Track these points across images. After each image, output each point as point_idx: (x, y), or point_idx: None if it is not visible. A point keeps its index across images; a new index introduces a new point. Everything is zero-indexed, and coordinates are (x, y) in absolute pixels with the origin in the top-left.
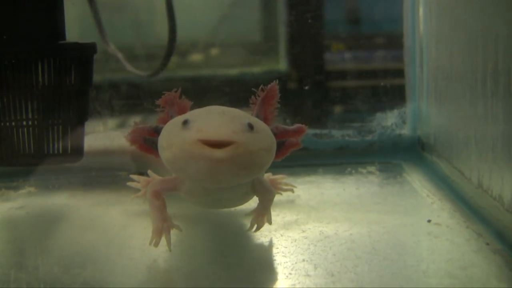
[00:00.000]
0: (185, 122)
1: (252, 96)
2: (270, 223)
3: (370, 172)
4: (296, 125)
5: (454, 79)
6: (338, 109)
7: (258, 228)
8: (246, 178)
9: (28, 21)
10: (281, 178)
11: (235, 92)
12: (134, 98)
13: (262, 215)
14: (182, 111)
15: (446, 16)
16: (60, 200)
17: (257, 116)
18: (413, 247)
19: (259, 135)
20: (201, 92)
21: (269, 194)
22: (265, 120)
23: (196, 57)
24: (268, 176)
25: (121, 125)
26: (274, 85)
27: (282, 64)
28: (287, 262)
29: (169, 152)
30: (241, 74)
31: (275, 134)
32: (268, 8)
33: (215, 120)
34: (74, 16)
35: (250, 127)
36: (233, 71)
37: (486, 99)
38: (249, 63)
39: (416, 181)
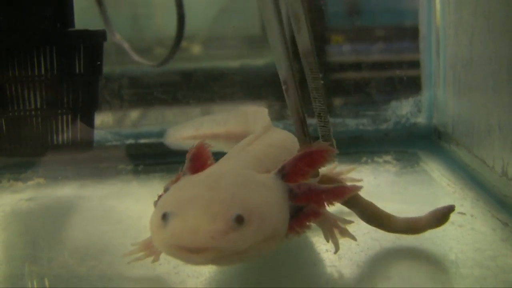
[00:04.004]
0: (164, 217)
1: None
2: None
3: (386, 162)
4: (335, 186)
5: (475, 66)
6: (351, 99)
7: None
8: (249, 261)
9: (37, 9)
10: (348, 170)
11: (238, 85)
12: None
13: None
14: (199, 168)
15: (466, 3)
16: (70, 191)
17: (282, 168)
18: (438, 237)
19: (250, 228)
20: (203, 85)
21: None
22: (292, 174)
23: (196, 50)
24: (331, 169)
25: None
26: (328, 150)
27: None
28: (310, 252)
29: (153, 241)
30: (243, 67)
31: (295, 195)
32: None
33: (193, 219)
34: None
35: (239, 220)
36: (235, 64)
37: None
38: (250, 56)
39: (434, 170)
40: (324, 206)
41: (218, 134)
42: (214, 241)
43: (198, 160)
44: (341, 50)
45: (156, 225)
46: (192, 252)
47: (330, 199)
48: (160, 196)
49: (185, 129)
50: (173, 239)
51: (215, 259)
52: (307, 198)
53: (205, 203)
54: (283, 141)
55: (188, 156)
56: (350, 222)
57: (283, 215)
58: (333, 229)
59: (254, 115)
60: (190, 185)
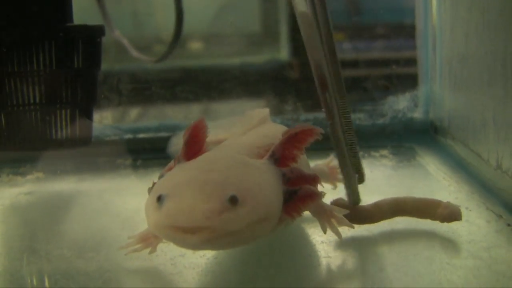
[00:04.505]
0: (159, 199)
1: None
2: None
3: (383, 156)
4: (313, 173)
5: (470, 61)
6: (349, 95)
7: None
8: (243, 245)
9: (36, 3)
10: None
11: (237, 82)
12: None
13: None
14: (194, 153)
15: None
16: (69, 186)
17: (273, 154)
18: (433, 229)
19: (244, 208)
20: (202, 82)
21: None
22: (283, 159)
23: (195, 47)
24: (327, 163)
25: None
26: (313, 129)
27: (283, 53)
28: (306, 244)
29: (149, 225)
30: (242, 63)
31: (289, 179)
32: None
33: (188, 200)
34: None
35: (234, 201)
36: (235, 61)
37: (506, 80)
38: (250, 53)
39: (431, 164)
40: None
41: (223, 140)
42: (208, 220)
43: (194, 144)
44: (341, 48)
45: (151, 207)
46: (186, 232)
47: (314, 184)
48: (154, 184)
49: None
50: (168, 219)
51: (210, 240)
52: (300, 181)
53: (200, 184)
54: (277, 132)
55: (183, 139)
56: (346, 211)
57: (277, 197)
58: (331, 219)
59: (258, 117)
60: (184, 169)
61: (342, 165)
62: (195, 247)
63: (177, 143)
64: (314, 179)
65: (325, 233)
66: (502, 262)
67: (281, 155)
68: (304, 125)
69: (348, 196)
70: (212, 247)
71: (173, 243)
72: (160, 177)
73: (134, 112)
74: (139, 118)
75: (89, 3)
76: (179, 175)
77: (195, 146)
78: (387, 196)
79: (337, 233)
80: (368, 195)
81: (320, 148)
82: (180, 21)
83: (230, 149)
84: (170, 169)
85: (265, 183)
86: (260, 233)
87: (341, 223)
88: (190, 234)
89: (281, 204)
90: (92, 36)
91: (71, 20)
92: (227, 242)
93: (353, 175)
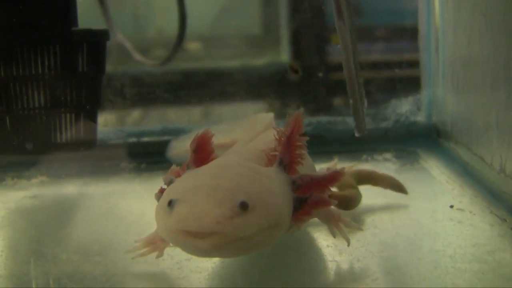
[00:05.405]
0: (170, 203)
1: (276, 133)
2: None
3: (386, 159)
4: (330, 171)
5: (473, 64)
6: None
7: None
8: (252, 252)
9: (41, 7)
10: (348, 168)
11: (238, 84)
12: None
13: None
14: (203, 160)
15: (464, 2)
16: (73, 189)
17: (281, 161)
18: (438, 233)
19: (254, 215)
20: (204, 84)
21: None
22: (291, 163)
23: (196, 50)
24: (331, 167)
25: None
26: (298, 115)
27: (284, 56)
28: (311, 248)
29: (159, 229)
30: (243, 66)
31: (299, 187)
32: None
33: (199, 205)
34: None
35: (244, 206)
36: (235, 63)
37: (509, 83)
38: (250, 55)
39: (434, 168)
40: (327, 193)
41: (225, 144)
42: (219, 225)
43: (202, 152)
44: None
45: (162, 212)
46: (197, 237)
47: (328, 184)
48: (161, 189)
49: (189, 140)
50: (179, 224)
51: (220, 245)
52: (310, 187)
53: (211, 190)
54: None
55: (191, 147)
56: (352, 216)
57: (287, 205)
58: (339, 223)
59: (261, 122)
60: (195, 175)
61: (351, 91)
62: (205, 253)
63: (176, 147)
64: (332, 178)
65: (334, 237)
66: (507, 265)
67: (289, 161)
68: (290, 122)
69: (355, 126)
70: (222, 253)
71: (182, 249)
72: (169, 181)
73: (137, 115)
74: (142, 121)
75: (91, 5)
76: (190, 180)
77: (203, 153)
78: (390, 200)
79: (346, 238)
80: (372, 198)
81: (324, 151)
82: (183, 24)
83: (239, 156)
84: (175, 173)
85: (276, 190)
86: (270, 240)
87: (349, 227)
88: (200, 239)
89: (291, 212)
90: (96, 40)
91: (75, 24)
92: (237, 248)
93: (360, 103)
